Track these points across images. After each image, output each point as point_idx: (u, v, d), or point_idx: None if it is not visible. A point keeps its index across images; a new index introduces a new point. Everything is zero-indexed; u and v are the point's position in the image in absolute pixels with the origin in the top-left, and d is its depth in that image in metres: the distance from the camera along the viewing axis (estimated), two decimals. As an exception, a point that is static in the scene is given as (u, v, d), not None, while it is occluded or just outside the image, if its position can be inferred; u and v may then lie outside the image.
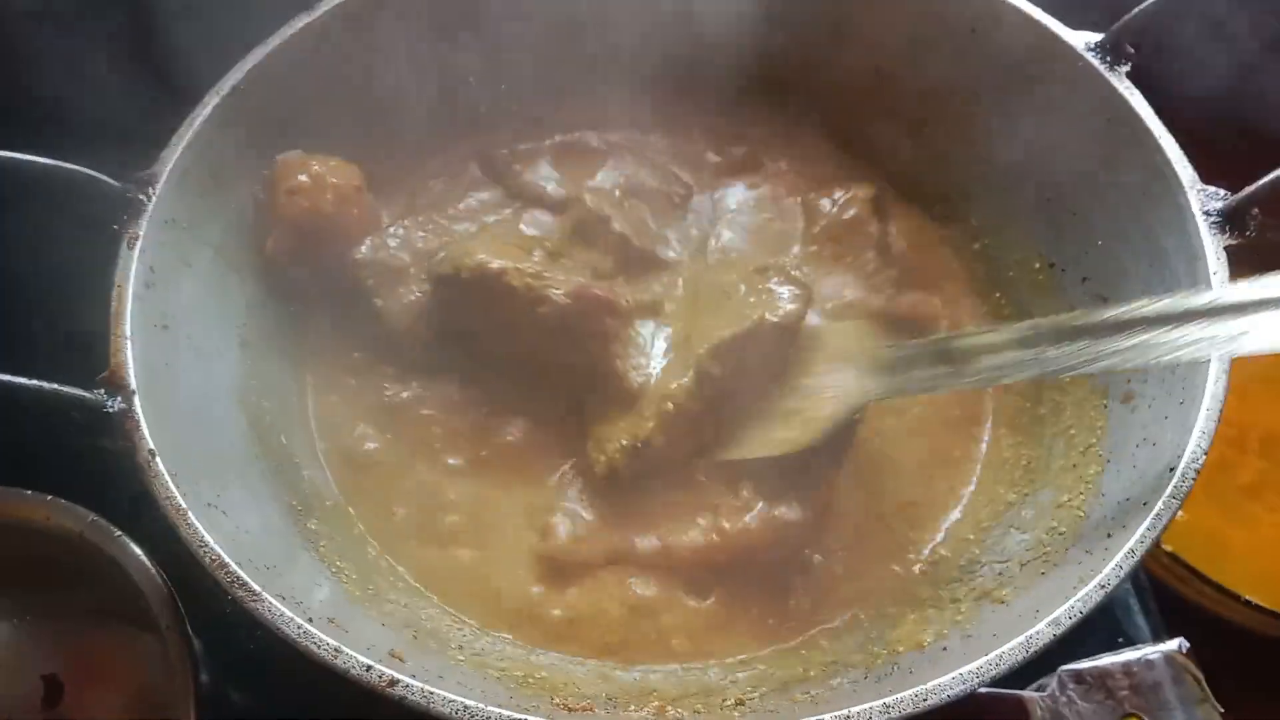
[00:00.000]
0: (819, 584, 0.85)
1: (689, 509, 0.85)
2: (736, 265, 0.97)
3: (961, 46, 0.99)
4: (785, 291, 0.88)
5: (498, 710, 0.62)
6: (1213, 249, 0.79)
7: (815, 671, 0.78)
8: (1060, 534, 0.78)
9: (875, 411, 0.91)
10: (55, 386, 0.71)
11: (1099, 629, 0.93)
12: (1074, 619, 0.66)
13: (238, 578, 0.66)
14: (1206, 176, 0.83)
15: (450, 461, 0.89)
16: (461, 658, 0.77)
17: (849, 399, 0.84)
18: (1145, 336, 0.69)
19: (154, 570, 0.79)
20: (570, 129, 1.10)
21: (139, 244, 0.80)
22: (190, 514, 0.69)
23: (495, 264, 0.87)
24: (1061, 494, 0.82)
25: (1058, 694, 0.77)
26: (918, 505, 0.91)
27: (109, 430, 0.72)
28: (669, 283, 0.96)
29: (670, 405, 0.85)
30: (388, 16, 0.96)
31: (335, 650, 0.64)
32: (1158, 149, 0.85)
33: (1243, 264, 0.78)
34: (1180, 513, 0.70)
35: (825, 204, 1.02)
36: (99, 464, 0.74)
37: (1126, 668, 0.76)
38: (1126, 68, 0.89)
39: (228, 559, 0.67)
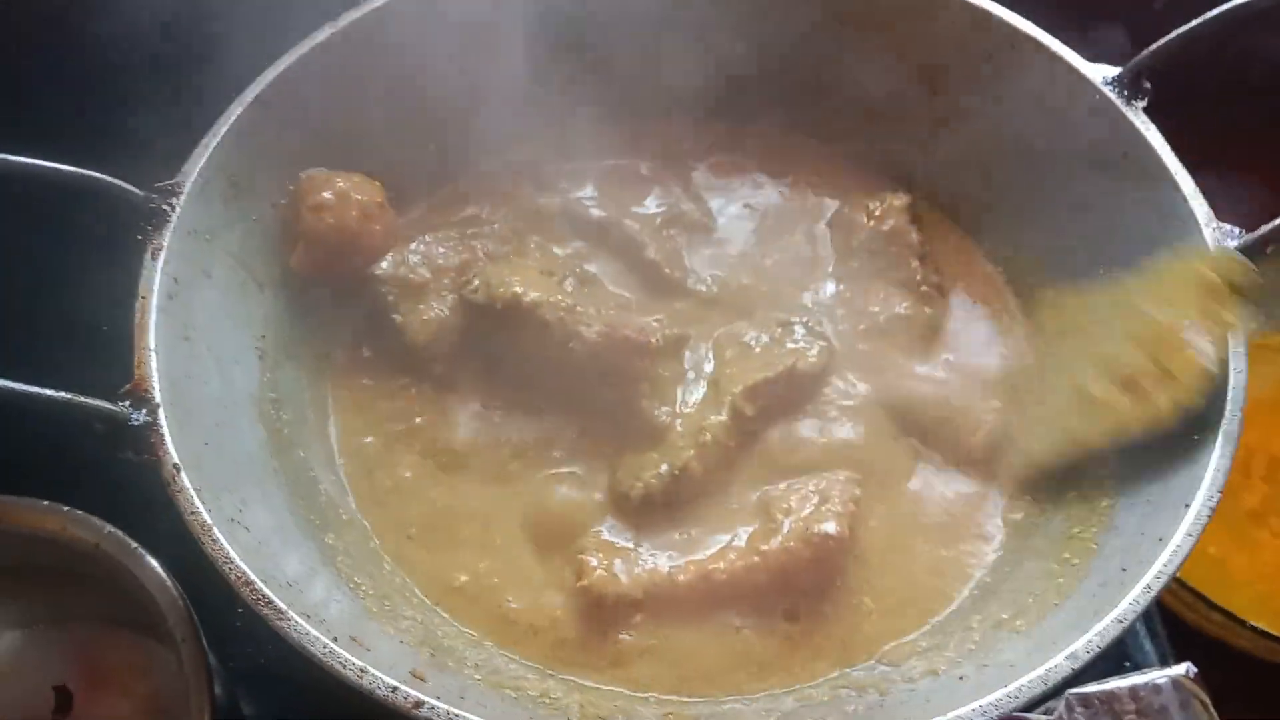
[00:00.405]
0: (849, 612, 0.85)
1: (723, 534, 0.86)
2: (763, 305, 0.99)
3: (977, 75, 1.00)
4: (811, 343, 0.93)
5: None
6: (1229, 286, 0.80)
7: (828, 696, 0.79)
8: (1073, 565, 0.79)
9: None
10: (80, 398, 0.70)
11: (1106, 653, 0.94)
12: (1091, 653, 0.67)
13: (263, 595, 0.66)
14: (1221, 214, 0.85)
15: (468, 480, 0.89)
16: (478, 676, 0.77)
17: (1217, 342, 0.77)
18: None
19: (170, 583, 0.79)
20: (618, 155, 1.10)
21: (162, 255, 0.80)
22: (215, 530, 0.68)
23: (530, 296, 0.88)
24: (1073, 525, 0.83)
25: (1065, 717, 0.78)
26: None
27: (132, 442, 0.72)
28: (697, 316, 0.98)
29: (709, 436, 0.87)
30: (413, 28, 0.96)
31: (361, 670, 0.64)
32: (1173, 185, 0.86)
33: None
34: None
35: (860, 218, 1.03)
36: (107, 472, 0.74)
37: (1134, 692, 0.77)
38: (1143, 102, 0.91)
39: (253, 576, 0.67)
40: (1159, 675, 0.76)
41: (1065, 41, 0.95)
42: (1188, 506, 0.72)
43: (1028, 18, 0.97)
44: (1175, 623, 1.02)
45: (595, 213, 1.03)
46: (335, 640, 0.66)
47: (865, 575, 0.85)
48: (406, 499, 0.89)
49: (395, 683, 0.64)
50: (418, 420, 0.92)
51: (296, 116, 0.92)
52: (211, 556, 0.68)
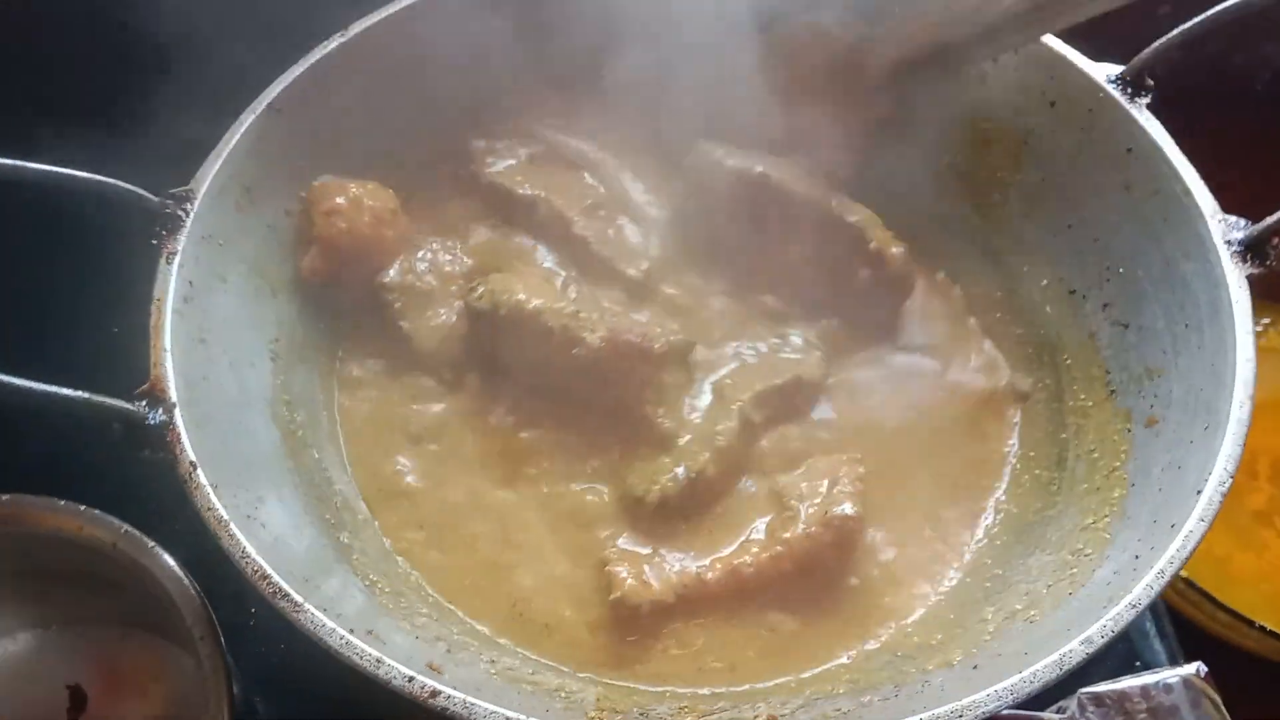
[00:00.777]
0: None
1: (739, 528, 0.87)
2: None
3: (980, 72, 1.01)
4: (810, 354, 0.96)
5: (540, 723, 0.63)
6: (1235, 278, 0.81)
7: (844, 688, 0.79)
8: (1086, 555, 0.79)
9: (894, 434, 0.94)
10: (99, 398, 0.71)
11: (1116, 652, 0.94)
12: (1106, 637, 0.66)
13: (280, 589, 0.67)
14: (1227, 206, 0.85)
15: (477, 482, 0.90)
16: (494, 671, 0.77)
17: None
18: None
19: (188, 582, 0.79)
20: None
21: (177, 259, 0.81)
22: (232, 525, 0.69)
23: (533, 304, 0.89)
24: (1086, 516, 0.83)
25: (1077, 716, 0.77)
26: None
27: (149, 441, 0.73)
28: (700, 321, 0.99)
29: (721, 441, 0.88)
30: (425, 36, 0.98)
31: (377, 661, 0.65)
32: (1178, 178, 0.87)
33: (1262, 293, 0.81)
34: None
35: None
36: (121, 471, 0.75)
37: (1145, 690, 0.78)
38: (1147, 99, 0.91)
39: (270, 570, 0.67)
40: (1170, 674, 0.76)
41: (1067, 41, 0.96)
42: (1199, 493, 0.72)
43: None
44: (1184, 623, 1.02)
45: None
46: (352, 632, 0.66)
47: (872, 550, 0.87)
48: (416, 502, 0.89)
49: (411, 673, 0.64)
50: (427, 423, 0.93)
51: (308, 124, 0.94)
52: (228, 551, 0.68)
